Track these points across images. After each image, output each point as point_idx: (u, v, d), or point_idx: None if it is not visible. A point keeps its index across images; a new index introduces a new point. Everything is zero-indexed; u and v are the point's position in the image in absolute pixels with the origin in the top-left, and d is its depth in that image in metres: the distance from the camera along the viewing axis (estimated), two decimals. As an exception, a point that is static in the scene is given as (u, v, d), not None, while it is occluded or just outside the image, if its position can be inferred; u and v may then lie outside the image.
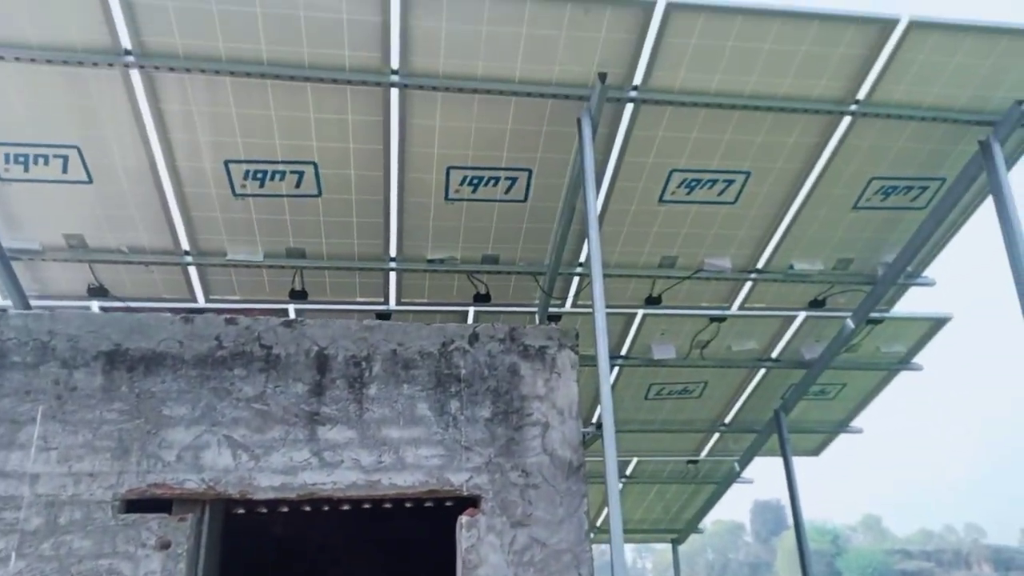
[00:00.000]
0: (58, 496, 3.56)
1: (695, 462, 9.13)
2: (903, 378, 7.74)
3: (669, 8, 4.43)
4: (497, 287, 6.12)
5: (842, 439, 8.77)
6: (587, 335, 4.47)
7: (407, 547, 6.15)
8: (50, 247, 5.39)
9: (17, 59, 4.31)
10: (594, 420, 7.53)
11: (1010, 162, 5.34)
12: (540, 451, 4.03)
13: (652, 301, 6.37)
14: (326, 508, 3.94)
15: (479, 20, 4.38)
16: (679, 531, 10.71)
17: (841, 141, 5.25)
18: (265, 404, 3.86)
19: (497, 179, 5.27)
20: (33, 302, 5.62)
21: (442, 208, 5.43)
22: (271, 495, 3.73)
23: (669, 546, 11.08)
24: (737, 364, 7.36)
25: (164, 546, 3.54)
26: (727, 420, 8.31)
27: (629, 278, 6.16)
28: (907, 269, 6.15)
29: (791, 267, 6.17)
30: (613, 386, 7.28)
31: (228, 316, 4.01)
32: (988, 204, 5.30)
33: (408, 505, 3.98)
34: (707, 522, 10.96)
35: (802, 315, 6.84)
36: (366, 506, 3.96)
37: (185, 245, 5.51)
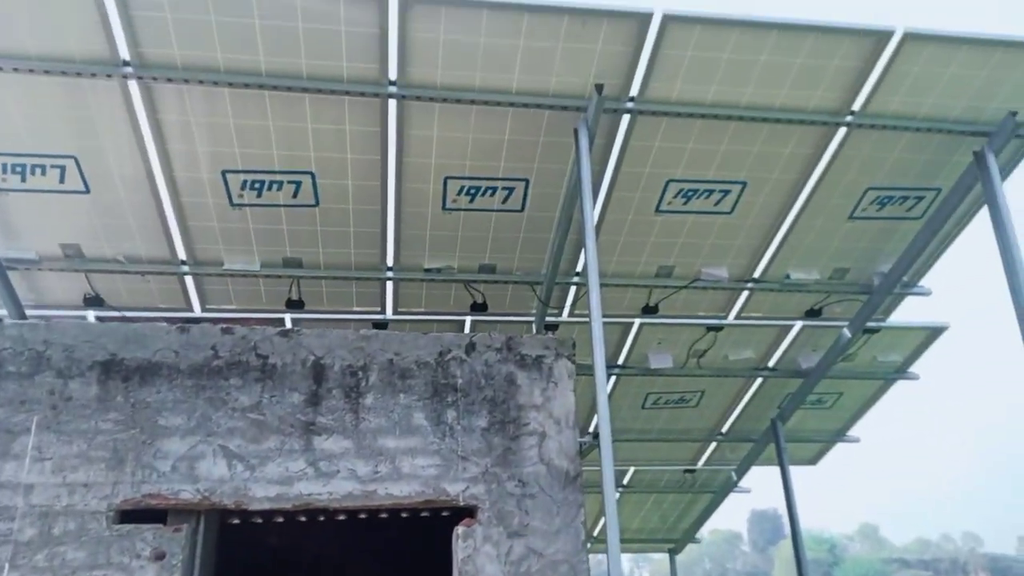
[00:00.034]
0: (52, 507, 3.55)
1: (692, 471, 9.12)
2: (900, 387, 7.75)
3: (665, 20, 4.46)
4: (494, 296, 6.12)
5: (839, 448, 8.77)
6: (584, 344, 4.48)
7: (403, 557, 6.12)
8: (47, 257, 5.39)
9: (16, 70, 4.31)
10: (591, 429, 7.53)
11: (1005, 172, 5.37)
12: (537, 461, 4.03)
13: (649, 310, 6.37)
14: (322, 518, 3.93)
15: (477, 32, 4.40)
16: (676, 541, 10.68)
17: (837, 152, 5.28)
18: (261, 414, 3.86)
19: (494, 189, 5.29)
20: (29, 312, 5.61)
21: (439, 218, 5.44)
22: (266, 505, 3.72)
23: (666, 556, 11.04)
24: (734, 373, 7.37)
25: (159, 557, 3.52)
26: (724, 429, 8.30)
27: (626, 287, 6.17)
28: (903, 279, 6.17)
29: (787, 277, 6.18)
30: (610, 395, 7.28)
31: (224, 326, 4.01)
32: (983, 214, 5.32)
33: (404, 515, 3.97)
34: (704, 531, 10.94)
35: (799, 324, 6.85)
36: (362, 516, 3.95)
37: (182, 255, 5.50)
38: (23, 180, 4.89)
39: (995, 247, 5.00)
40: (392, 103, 4.72)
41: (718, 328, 6.72)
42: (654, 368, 6.98)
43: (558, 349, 4.27)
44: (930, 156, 5.36)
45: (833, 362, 6.93)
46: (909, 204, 5.71)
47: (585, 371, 4.42)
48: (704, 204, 5.55)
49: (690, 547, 11.01)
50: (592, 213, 4.64)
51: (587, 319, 4.49)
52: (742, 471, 9.00)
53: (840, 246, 5.99)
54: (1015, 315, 4.82)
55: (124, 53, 4.34)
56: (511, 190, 5.30)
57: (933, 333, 7.10)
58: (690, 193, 5.45)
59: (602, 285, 4.92)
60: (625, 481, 9.38)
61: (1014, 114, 4.94)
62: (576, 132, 4.75)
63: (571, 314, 6.45)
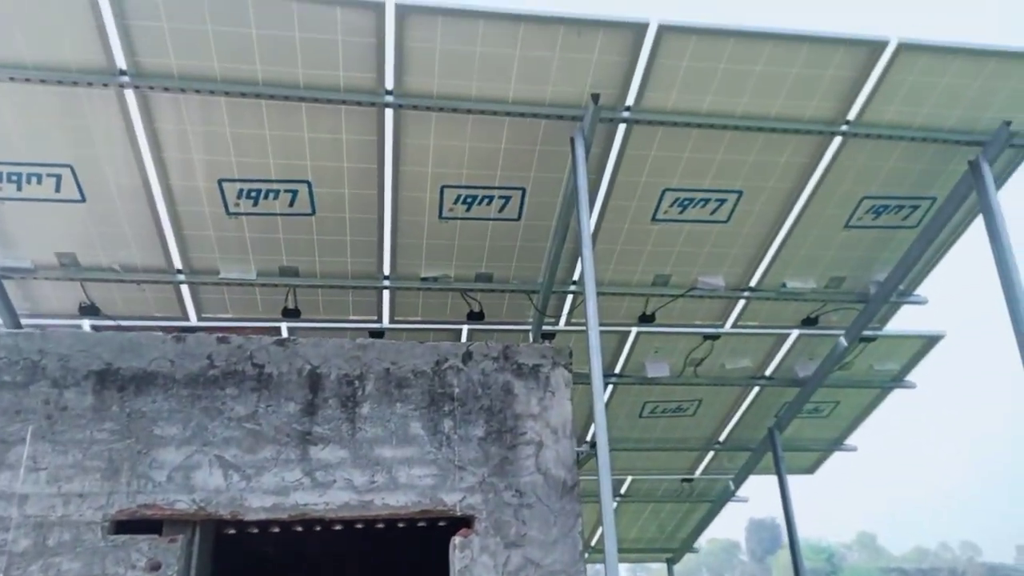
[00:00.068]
0: (47, 517, 3.53)
1: (690, 480, 9.10)
2: (897, 396, 7.76)
3: (661, 31, 4.48)
4: (491, 305, 6.12)
5: (836, 457, 8.77)
6: (581, 353, 4.47)
7: (400, 568, 6.09)
8: (42, 265, 5.37)
9: (12, 79, 4.32)
10: (588, 439, 7.51)
11: (999, 182, 5.39)
12: (534, 470, 4.02)
13: (646, 319, 6.38)
14: (318, 528, 3.91)
15: (473, 41, 4.41)
16: (674, 550, 10.65)
17: (832, 161, 5.30)
18: (257, 424, 3.84)
19: (491, 198, 5.29)
20: (24, 321, 5.60)
21: (436, 226, 5.45)
22: (262, 516, 3.70)
23: (664, 565, 11.01)
24: (731, 382, 7.37)
25: (154, 568, 3.50)
26: (721, 438, 8.29)
27: (623, 296, 6.17)
28: (899, 287, 6.18)
29: (784, 285, 6.19)
30: (607, 404, 7.26)
31: (220, 335, 4.00)
32: (978, 223, 5.34)
33: (401, 526, 3.96)
34: (702, 541, 10.91)
35: (795, 333, 6.86)
36: (359, 527, 3.93)
37: (178, 263, 5.49)
38: (19, 189, 4.88)
39: (990, 256, 5.02)
40: (389, 112, 4.73)
41: (715, 337, 6.72)
42: (651, 377, 6.98)
43: (555, 358, 4.26)
44: (925, 165, 5.39)
45: (830, 371, 6.93)
46: (905, 213, 5.73)
47: (582, 380, 4.42)
48: (700, 213, 5.56)
49: (688, 556, 10.97)
50: (588, 222, 4.65)
51: (584, 328, 4.49)
52: (740, 480, 8.99)
53: (836, 255, 6.01)
54: (1011, 324, 4.83)
55: (120, 62, 4.35)
56: (508, 199, 5.31)
57: (929, 342, 7.11)
58: (686, 202, 5.46)
59: (599, 294, 4.92)
60: (622, 490, 9.35)
61: (1008, 124, 4.97)
62: (572, 141, 4.76)
63: (568, 323, 6.45)
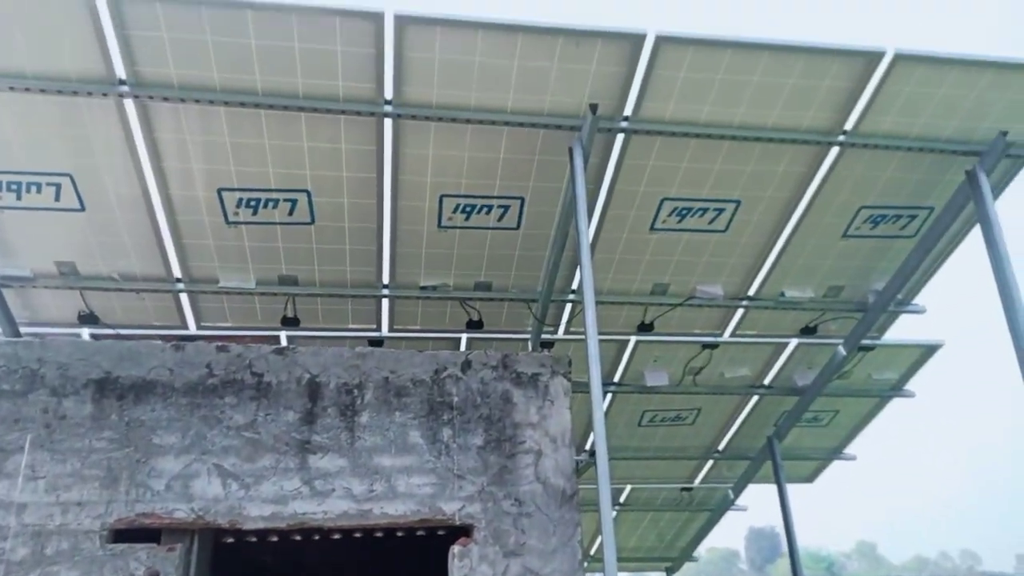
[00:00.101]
0: (45, 526, 3.53)
1: (689, 489, 9.08)
2: (895, 405, 7.76)
3: (659, 42, 4.51)
4: (490, 314, 6.12)
5: (835, 466, 8.75)
6: (580, 362, 4.48)
7: (398, 577, 6.07)
8: (41, 274, 5.38)
9: (12, 88, 4.34)
10: (587, 447, 7.50)
11: (996, 191, 5.41)
12: (533, 479, 4.02)
13: (644, 328, 6.38)
14: (317, 537, 3.91)
15: (472, 52, 4.44)
16: (673, 559, 10.61)
17: (830, 171, 5.32)
18: (256, 432, 3.85)
19: (490, 207, 5.31)
20: (23, 329, 5.60)
21: (435, 235, 5.46)
22: (261, 525, 3.70)
23: (663, 574, 10.97)
24: (730, 391, 7.36)
25: (152, 577, 3.49)
26: (720, 447, 8.28)
27: (621, 305, 6.18)
28: (897, 296, 6.19)
29: (782, 294, 6.20)
30: (606, 413, 7.26)
31: (219, 344, 4.01)
32: (976, 232, 5.36)
33: (400, 535, 3.95)
34: (701, 550, 10.87)
35: (794, 342, 6.86)
36: (357, 535, 3.92)
37: (177, 272, 5.50)
38: (18, 198, 4.90)
39: (988, 265, 5.03)
40: (388, 122, 4.75)
41: (714, 346, 6.73)
42: (650, 386, 6.97)
43: (554, 367, 4.27)
44: (922, 175, 5.41)
45: (829, 380, 6.93)
46: (902, 223, 5.75)
47: (581, 389, 4.42)
48: (699, 222, 5.58)
49: (687, 565, 10.93)
50: (587, 231, 4.66)
51: (583, 337, 4.50)
52: (739, 489, 8.97)
53: (834, 264, 6.02)
54: (1009, 333, 4.84)
55: (120, 72, 4.37)
56: (507, 208, 5.33)
57: (928, 351, 7.12)
58: (684, 211, 5.48)
59: (598, 303, 4.92)
60: (622, 499, 9.33)
61: (1005, 134, 4.99)
62: (571, 151, 4.78)
63: (567, 332, 6.46)
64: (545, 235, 5.53)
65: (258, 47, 4.31)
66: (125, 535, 3.58)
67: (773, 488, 7.95)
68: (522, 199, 5.28)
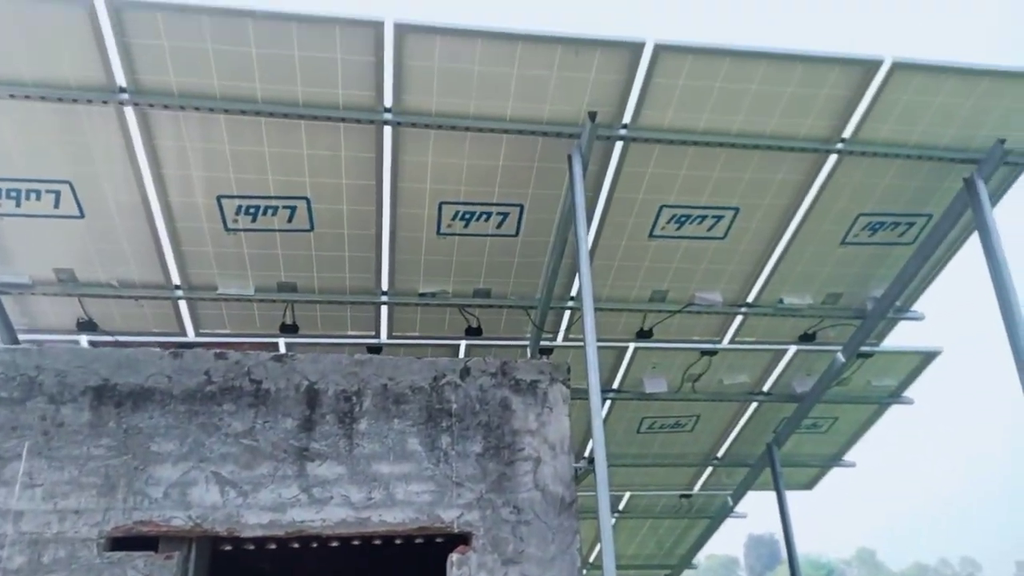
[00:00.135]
0: (42, 534, 3.52)
1: (688, 496, 9.07)
2: (894, 412, 7.75)
3: (658, 50, 4.52)
4: (489, 321, 6.13)
5: (835, 472, 8.74)
6: (578, 369, 4.48)
7: (397, 585, 6.05)
8: (40, 281, 5.38)
9: (12, 96, 4.34)
10: (586, 454, 7.49)
11: (994, 199, 5.42)
12: (532, 487, 4.01)
13: (643, 335, 6.38)
14: (315, 545, 3.90)
15: (471, 60, 4.45)
16: (673, 566, 10.58)
17: (828, 178, 5.33)
18: (254, 440, 3.84)
19: (489, 214, 5.31)
20: (21, 336, 5.60)
21: (434, 242, 5.46)
22: (259, 533, 3.69)
23: (663, 582, 10.94)
24: (729, 398, 7.36)
25: (149, 586, 3.48)
26: (720, 454, 8.27)
27: (620, 312, 6.18)
28: (896, 303, 6.20)
29: (781, 301, 6.20)
30: (605, 420, 7.24)
31: (218, 351, 4.01)
32: (974, 240, 5.37)
33: (398, 542, 3.94)
34: (701, 557, 10.87)
35: (793, 349, 6.86)
36: (356, 543, 3.91)
37: (176, 279, 5.50)
38: (18, 205, 4.90)
39: (986, 272, 5.04)
40: (387, 130, 4.76)
41: (712, 352, 6.73)
42: (649, 392, 6.97)
43: (553, 374, 4.27)
44: (920, 183, 5.42)
45: (828, 386, 6.93)
46: (901, 230, 5.76)
47: (580, 395, 4.42)
48: (697, 229, 5.59)
49: (687, 573, 10.90)
50: (586, 238, 4.66)
51: (582, 343, 4.50)
52: (738, 496, 8.96)
53: (833, 271, 6.03)
54: (1007, 340, 4.85)
55: (120, 80, 4.38)
56: (505, 215, 5.33)
57: (927, 358, 7.12)
58: (683, 219, 5.49)
59: (596, 309, 4.93)
60: (621, 507, 9.31)
61: (1003, 142, 5.01)
62: (570, 158, 4.79)
63: (566, 338, 6.45)
64: (544, 242, 5.53)
65: (258, 55, 4.32)
66: (122, 543, 3.57)
67: (772, 495, 7.95)
68: (521, 206, 5.29)
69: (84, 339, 5.85)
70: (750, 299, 6.20)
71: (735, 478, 8.71)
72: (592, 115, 4.61)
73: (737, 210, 5.48)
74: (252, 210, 5.09)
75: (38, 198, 4.88)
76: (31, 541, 3.50)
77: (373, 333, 6.18)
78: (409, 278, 5.72)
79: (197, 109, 4.50)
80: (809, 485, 8.93)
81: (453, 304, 5.92)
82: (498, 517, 3.91)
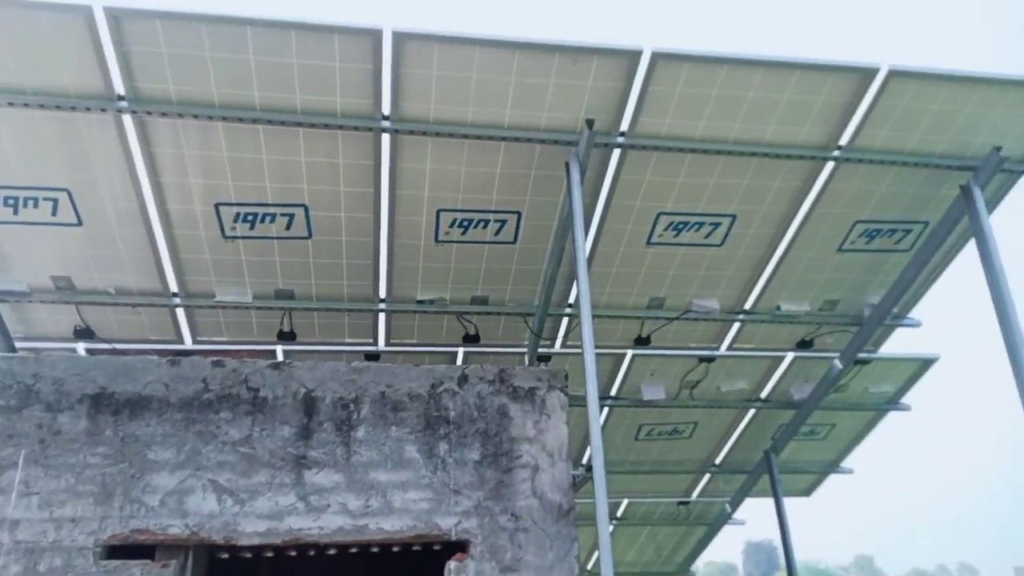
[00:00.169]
0: (38, 543, 3.50)
1: (686, 503, 9.06)
2: (892, 418, 7.76)
3: (655, 58, 4.54)
4: (486, 328, 6.13)
5: (833, 479, 8.74)
6: (576, 376, 4.47)
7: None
8: (37, 289, 5.37)
9: (10, 104, 4.34)
10: (584, 462, 7.46)
11: (991, 206, 5.44)
12: (530, 494, 4.00)
13: (641, 342, 6.39)
14: (312, 553, 3.89)
15: (469, 68, 4.46)
16: (671, 573, 10.56)
17: (825, 185, 5.34)
18: (251, 448, 3.83)
19: (487, 221, 5.32)
20: (18, 344, 5.58)
21: (432, 250, 5.47)
22: (256, 541, 3.68)
23: (661, 590, 10.92)
24: (727, 404, 7.36)
25: (146, 595, 3.47)
26: (717, 461, 8.27)
27: (618, 319, 6.18)
28: (893, 310, 6.21)
29: (778, 308, 6.21)
30: (603, 427, 7.25)
31: (215, 359, 4.00)
32: (971, 247, 5.39)
33: (396, 550, 3.93)
34: (699, 564, 10.82)
35: (790, 355, 6.87)
36: (353, 551, 3.90)
37: (173, 287, 5.50)
38: (15, 212, 4.90)
39: (983, 279, 5.05)
40: (385, 137, 4.77)
41: (710, 359, 6.73)
42: (647, 399, 6.97)
43: (551, 381, 4.27)
44: (917, 190, 5.44)
45: (825, 393, 6.94)
46: (897, 237, 5.78)
47: (578, 403, 4.42)
48: (695, 236, 5.60)
49: (685, 580, 10.88)
50: (584, 245, 4.67)
51: (580, 350, 4.50)
52: (736, 503, 8.95)
53: (830, 278, 6.04)
54: (1004, 347, 4.86)
55: (119, 87, 4.38)
56: (503, 222, 5.34)
57: (924, 364, 7.13)
58: (681, 226, 5.50)
59: (594, 316, 4.93)
60: (619, 514, 9.30)
61: (999, 149, 5.03)
62: (568, 166, 4.80)
63: (563, 345, 6.46)
64: (542, 249, 5.54)
65: (257, 63, 4.33)
66: (119, 551, 3.56)
67: (770, 502, 7.94)
68: (519, 213, 5.29)
69: (81, 347, 5.84)
70: (747, 306, 6.21)
71: (733, 485, 8.71)
72: (590, 122, 4.63)
73: (734, 217, 5.49)
74: (250, 217, 5.09)
75: (36, 206, 4.87)
76: (27, 550, 3.48)
77: (371, 340, 6.18)
78: (407, 285, 5.72)
79: (195, 117, 4.50)
80: (807, 492, 8.93)
81: (451, 311, 5.92)
82: (496, 524, 3.90)
